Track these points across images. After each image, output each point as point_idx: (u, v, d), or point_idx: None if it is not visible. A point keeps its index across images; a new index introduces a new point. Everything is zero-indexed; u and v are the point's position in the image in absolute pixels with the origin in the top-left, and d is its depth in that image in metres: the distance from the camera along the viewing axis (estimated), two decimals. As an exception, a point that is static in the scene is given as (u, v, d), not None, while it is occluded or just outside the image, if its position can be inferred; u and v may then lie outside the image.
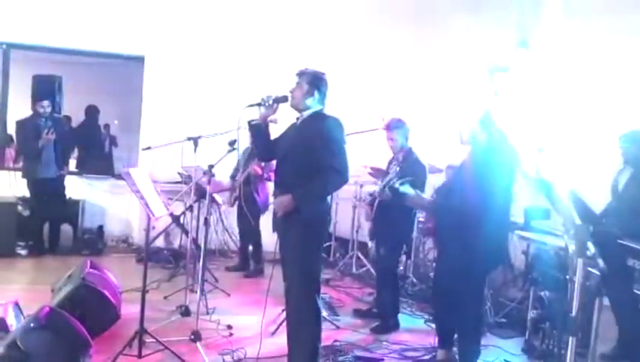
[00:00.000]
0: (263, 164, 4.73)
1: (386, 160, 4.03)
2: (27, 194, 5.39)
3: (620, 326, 3.33)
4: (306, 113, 2.77)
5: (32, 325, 2.44)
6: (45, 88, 5.43)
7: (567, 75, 5.17)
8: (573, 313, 2.09)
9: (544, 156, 4.73)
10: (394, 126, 3.78)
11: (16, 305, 2.88)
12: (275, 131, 3.20)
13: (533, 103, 5.49)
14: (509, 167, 2.85)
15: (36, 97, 5.34)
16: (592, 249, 2.04)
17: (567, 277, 2.45)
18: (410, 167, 3.63)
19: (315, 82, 2.75)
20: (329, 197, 2.81)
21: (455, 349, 3.14)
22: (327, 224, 2.85)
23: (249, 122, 2.85)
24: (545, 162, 4.71)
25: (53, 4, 5.77)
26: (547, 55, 5.37)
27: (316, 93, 2.74)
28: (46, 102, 5.27)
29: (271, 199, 4.55)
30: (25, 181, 5.35)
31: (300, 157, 2.68)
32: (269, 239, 5.05)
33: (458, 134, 2.98)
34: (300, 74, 2.79)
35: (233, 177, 5.29)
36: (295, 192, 2.64)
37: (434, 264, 4.28)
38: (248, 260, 5.28)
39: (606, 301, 2.76)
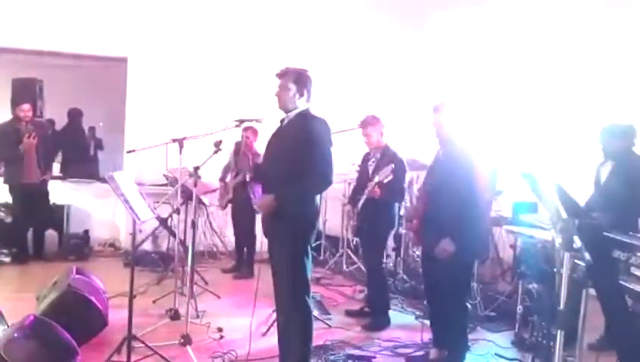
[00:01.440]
0: None
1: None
2: (9, 200, 5.29)
3: (607, 317, 3.37)
4: (293, 113, 2.73)
5: (16, 335, 2.40)
6: (25, 92, 5.34)
7: (553, 70, 5.22)
8: (561, 306, 2.11)
9: (531, 150, 4.78)
10: (368, 123, 3.90)
11: (0, 314, 2.81)
12: (263, 130, 3.18)
13: (519, 98, 5.54)
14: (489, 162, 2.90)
15: (16, 101, 5.24)
16: (578, 242, 2.06)
17: (555, 269, 2.48)
18: (389, 163, 3.70)
19: (300, 81, 2.70)
20: (318, 198, 2.79)
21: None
22: (315, 225, 2.81)
23: None
24: (532, 156, 4.76)
25: (33, 6, 5.66)
26: (534, 49, 5.42)
27: (305, 92, 2.70)
28: (26, 106, 5.18)
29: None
30: (7, 187, 5.25)
31: (285, 158, 2.66)
32: (258, 239, 5.06)
33: (434, 129, 3.02)
34: (282, 74, 2.72)
35: (222, 179, 5.24)
36: (278, 193, 2.62)
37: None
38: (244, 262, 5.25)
39: (592, 291, 2.80)
